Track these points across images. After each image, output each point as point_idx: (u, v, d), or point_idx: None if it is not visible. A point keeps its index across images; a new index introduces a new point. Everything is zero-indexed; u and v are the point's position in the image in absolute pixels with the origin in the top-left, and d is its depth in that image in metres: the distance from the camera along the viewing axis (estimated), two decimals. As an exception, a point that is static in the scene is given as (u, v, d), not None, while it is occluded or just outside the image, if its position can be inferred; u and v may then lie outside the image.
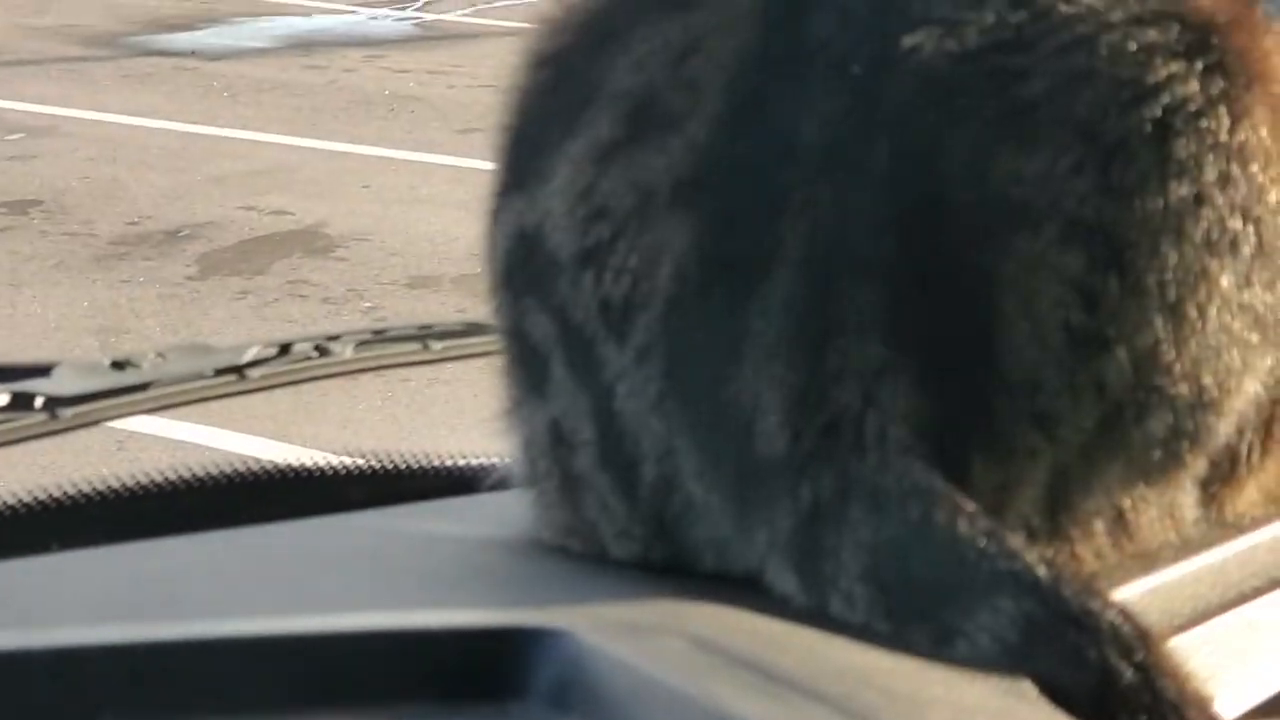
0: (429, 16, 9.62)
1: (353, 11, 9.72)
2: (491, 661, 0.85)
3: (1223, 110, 0.95)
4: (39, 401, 1.19)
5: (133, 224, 5.62)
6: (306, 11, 9.66)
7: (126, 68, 8.22)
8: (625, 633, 0.86)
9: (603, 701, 0.83)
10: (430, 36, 9.26)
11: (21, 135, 6.73)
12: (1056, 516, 0.96)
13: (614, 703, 0.84)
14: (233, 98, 7.59)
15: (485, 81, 7.31)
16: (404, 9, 9.80)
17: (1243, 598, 1.00)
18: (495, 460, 1.17)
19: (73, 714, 0.78)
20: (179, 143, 6.79)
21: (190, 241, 5.52)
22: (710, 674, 0.84)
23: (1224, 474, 1.03)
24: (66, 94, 7.47)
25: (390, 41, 9.14)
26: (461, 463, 1.27)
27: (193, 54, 8.51)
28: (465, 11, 9.79)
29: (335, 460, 1.22)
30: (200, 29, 9.12)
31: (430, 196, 5.88)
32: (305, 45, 8.88)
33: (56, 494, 1.12)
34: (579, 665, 0.85)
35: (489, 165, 1.02)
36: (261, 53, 8.66)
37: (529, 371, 1.01)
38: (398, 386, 3.91)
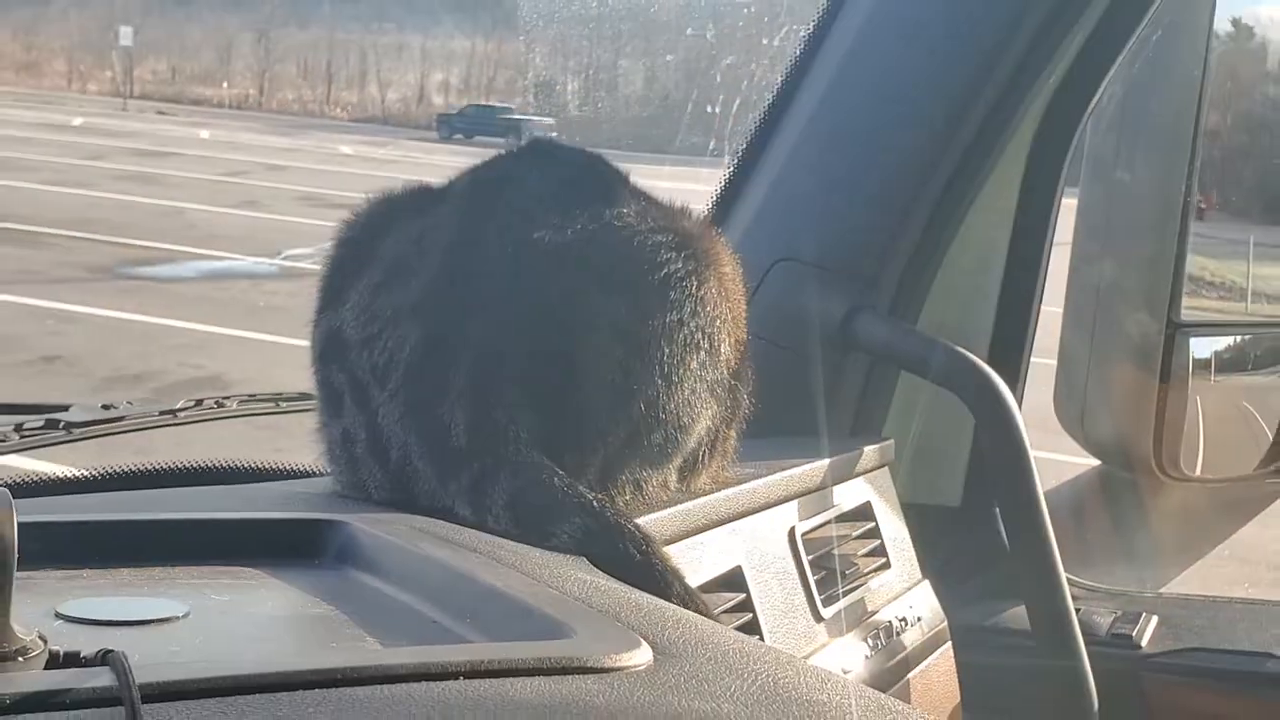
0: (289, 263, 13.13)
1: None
2: (306, 538, 1.07)
3: (694, 277, 1.26)
4: (62, 424, 1.46)
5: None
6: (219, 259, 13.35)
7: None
8: (376, 523, 1.08)
9: (363, 556, 1.04)
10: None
11: None
12: (605, 484, 1.24)
13: (368, 556, 1.04)
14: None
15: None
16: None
17: (696, 530, 1.31)
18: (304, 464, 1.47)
19: (79, 557, 0.97)
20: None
21: None
22: (422, 540, 1.06)
23: (691, 466, 1.32)
24: None
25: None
26: (289, 465, 1.52)
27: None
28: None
29: (219, 462, 1.45)
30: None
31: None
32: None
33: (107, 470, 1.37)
34: (352, 537, 1.06)
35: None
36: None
37: (331, 404, 1.27)
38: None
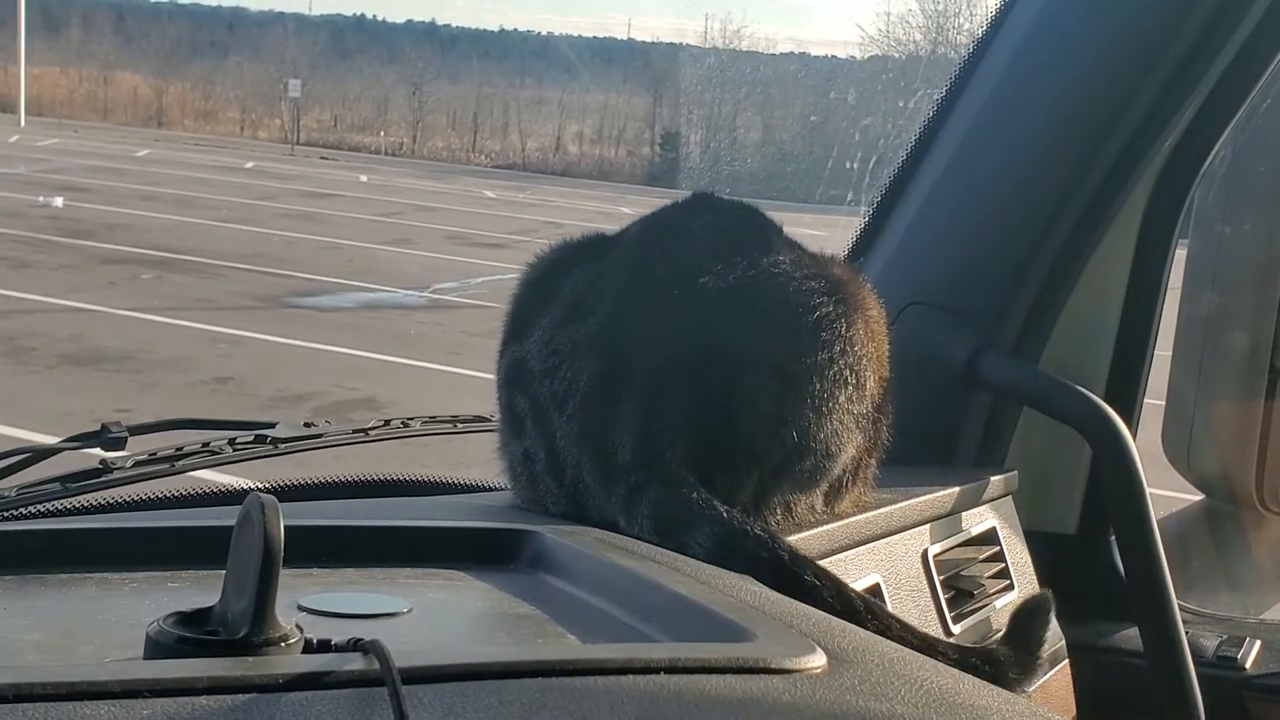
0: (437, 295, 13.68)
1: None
2: (504, 545, 1.10)
3: (844, 319, 1.27)
4: (269, 440, 1.49)
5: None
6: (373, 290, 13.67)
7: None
8: (564, 534, 1.12)
9: (554, 562, 1.07)
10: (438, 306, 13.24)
11: None
12: (759, 505, 1.25)
13: (559, 562, 1.07)
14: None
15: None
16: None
17: (839, 549, 1.33)
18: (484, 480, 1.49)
19: (309, 557, 1.00)
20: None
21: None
22: (605, 549, 1.09)
23: (836, 491, 1.33)
24: None
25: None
26: (472, 480, 1.56)
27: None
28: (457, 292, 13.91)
29: (408, 476, 1.49)
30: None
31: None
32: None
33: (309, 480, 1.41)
34: (544, 545, 1.09)
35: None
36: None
37: (514, 426, 1.31)
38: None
